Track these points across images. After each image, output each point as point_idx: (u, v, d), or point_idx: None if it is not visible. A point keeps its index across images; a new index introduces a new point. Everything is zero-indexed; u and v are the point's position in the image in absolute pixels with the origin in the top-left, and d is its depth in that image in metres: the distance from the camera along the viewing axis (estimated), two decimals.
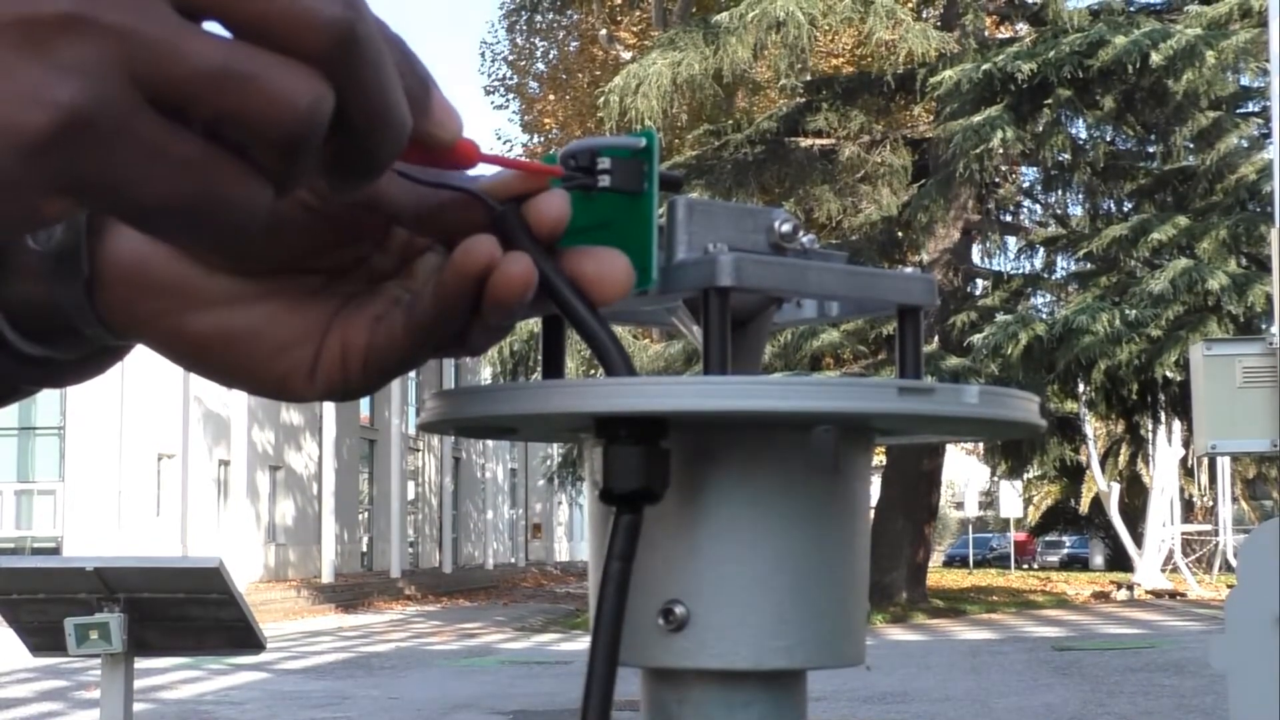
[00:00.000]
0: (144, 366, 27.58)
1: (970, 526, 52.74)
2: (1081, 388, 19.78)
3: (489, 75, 51.54)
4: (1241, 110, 20.71)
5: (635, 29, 30.31)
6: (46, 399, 28.38)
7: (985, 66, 19.11)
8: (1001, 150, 19.06)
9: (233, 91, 0.42)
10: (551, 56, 35.52)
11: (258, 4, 0.43)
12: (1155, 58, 18.17)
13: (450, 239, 0.57)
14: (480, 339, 0.58)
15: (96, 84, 0.41)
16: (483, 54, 70.76)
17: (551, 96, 35.21)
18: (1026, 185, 24.07)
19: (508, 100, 37.54)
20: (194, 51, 0.42)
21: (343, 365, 0.58)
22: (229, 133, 0.43)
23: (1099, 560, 45.87)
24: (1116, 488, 34.15)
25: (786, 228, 0.64)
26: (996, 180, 21.87)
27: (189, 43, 0.42)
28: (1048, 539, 51.31)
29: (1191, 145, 20.28)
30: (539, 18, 32.76)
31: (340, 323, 0.58)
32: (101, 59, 0.41)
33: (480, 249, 0.55)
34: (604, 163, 0.60)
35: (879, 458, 22.99)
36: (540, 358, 0.66)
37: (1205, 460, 33.29)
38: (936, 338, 20.47)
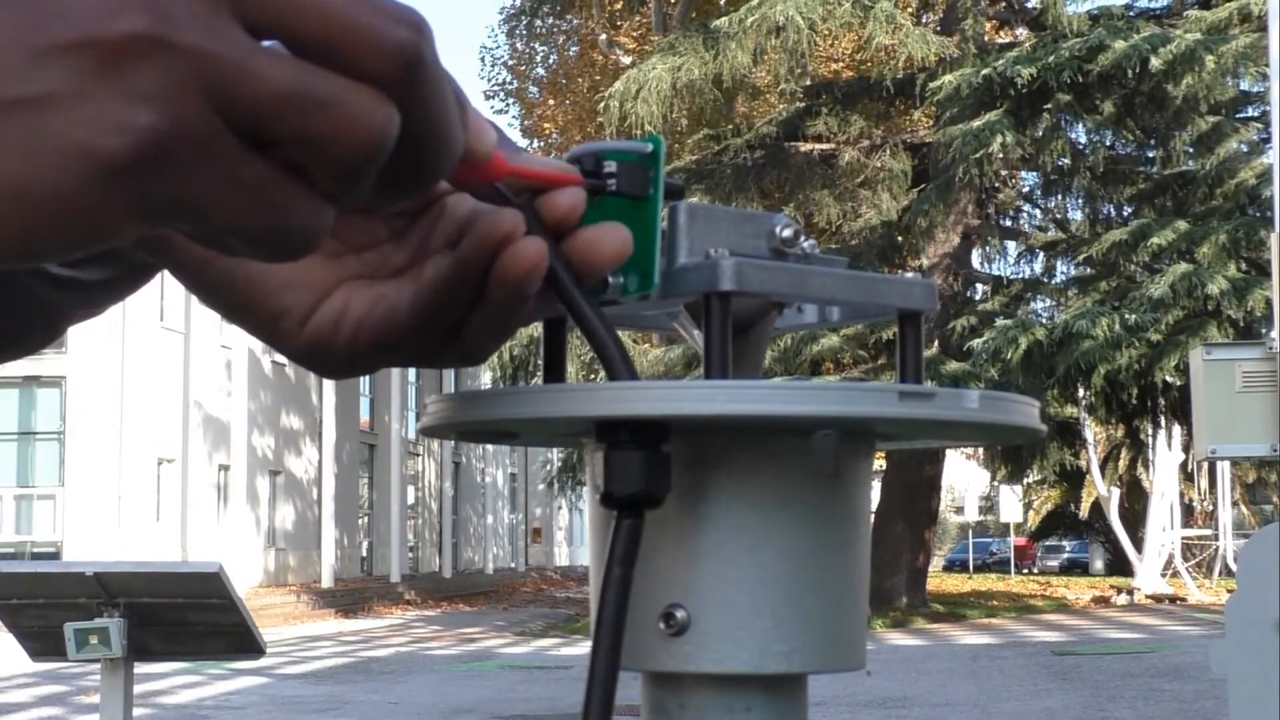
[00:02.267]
0: (144, 371, 27.59)
1: (970, 531, 52.78)
2: (1081, 392, 19.80)
3: (489, 80, 51.65)
4: (1241, 115, 20.72)
5: (635, 34, 30.32)
6: (46, 403, 28.38)
7: (985, 71, 19.12)
8: (1001, 155, 19.07)
9: (308, 114, 0.42)
10: (551, 61, 35.54)
11: (327, 26, 0.42)
12: (1155, 62, 18.18)
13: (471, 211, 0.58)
14: (479, 331, 0.58)
15: (175, 108, 0.40)
16: (482, 58, 70.94)
17: (551, 101, 35.21)
18: (1026, 190, 24.10)
19: (508, 105, 37.57)
20: (269, 74, 0.41)
21: (335, 325, 0.58)
22: (296, 155, 0.43)
23: (1099, 565, 45.88)
24: (1116, 492, 34.14)
25: (787, 233, 0.64)
26: (996, 185, 21.88)
27: (262, 65, 0.41)
28: (1048, 543, 51.34)
29: (1191, 150, 20.29)
30: (539, 22, 32.76)
31: (347, 289, 0.59)
32: (178, 82, 0.40)
33: (505, 220, 0.56)
34: (610, 166, 0.60)
35: (879, 463, 22.99)
36: (541, 362, 0.66)
37: (1205, 465, 33.26)
38: (936, 342, 20.47)
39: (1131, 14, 21.60)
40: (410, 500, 38.84)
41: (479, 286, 0.56)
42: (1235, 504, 39.50)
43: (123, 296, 0.65)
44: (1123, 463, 39.20)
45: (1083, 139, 21.00)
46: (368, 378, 33.09)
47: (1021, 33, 23.09)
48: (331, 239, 0.60)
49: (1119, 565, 38.08)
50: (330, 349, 0.59)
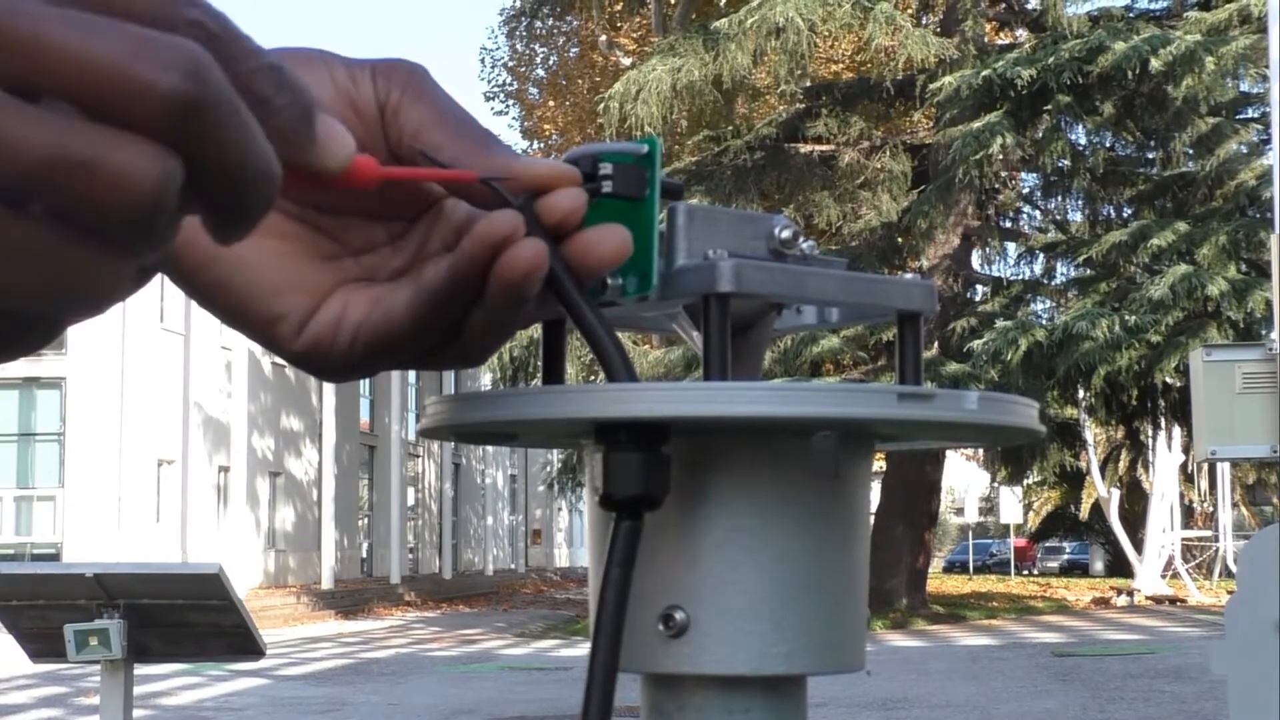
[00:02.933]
0: (144, 372, 27.58)
1: (970, 532, 52.76)
2: (1081, 393, 19.78)
3: (489, 81, 51.61)
4: (1241, 116, 20.72)
5: (635, 35, 30.33)
6: (46, 404, 28.38)
7: (985, 72, 19.11)
8: (1001, 156, 19.06)
9: (72, 179, 0.40)
10: (551, 62, 35.55)
11: (87, 79, 0.40)
12: (1155, 64, 18.17)
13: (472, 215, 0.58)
14: (478, 332, 0.58)
15: None
16: (483, 60, 70.92)
17: (551, 102, 35.22)
18: (1026, 191, 24.09)
19: (508, 106, 37.60)
20: (23, 140, 0.39)
21: (334, 329, 0.58)
22: (76, 217, 0.41)
23: (1099, 566, 45.90)
24: (1116, 493, 34.14)
25: (786, 234, 0.64)
26: (996, 186, 21.88)
27: (16, 132, 0.39)
28: (1048, 545, 51.36)
29: (1191, 151, 20.28)
30: (539, 24, 32.77)
31: (345, 292, 0.59)
32: None
33: (505, 220, 0.55)
34: (606, 168, 0.60)
35: (879, 464, 22.98)
36: (540, 364, 0.66)
37: (1205, 466, 33.25)
38: (936, 344, 20.47)
39: (1131, 15, 21.60)
40: (410, 502, 38.83)
41: (478, 288, 0.56)
42: (1235, 505, 39.49)
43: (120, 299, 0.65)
44: (1123, 464, 39.19)
45: (1083, 140, 21.00)
46: (367, 379, 33.08)
47: (1021, 34, 23.10)
48: (329, 242, 0.60)
49: (1119, 567, 38.07)
50: (329, 352, 0.59)
